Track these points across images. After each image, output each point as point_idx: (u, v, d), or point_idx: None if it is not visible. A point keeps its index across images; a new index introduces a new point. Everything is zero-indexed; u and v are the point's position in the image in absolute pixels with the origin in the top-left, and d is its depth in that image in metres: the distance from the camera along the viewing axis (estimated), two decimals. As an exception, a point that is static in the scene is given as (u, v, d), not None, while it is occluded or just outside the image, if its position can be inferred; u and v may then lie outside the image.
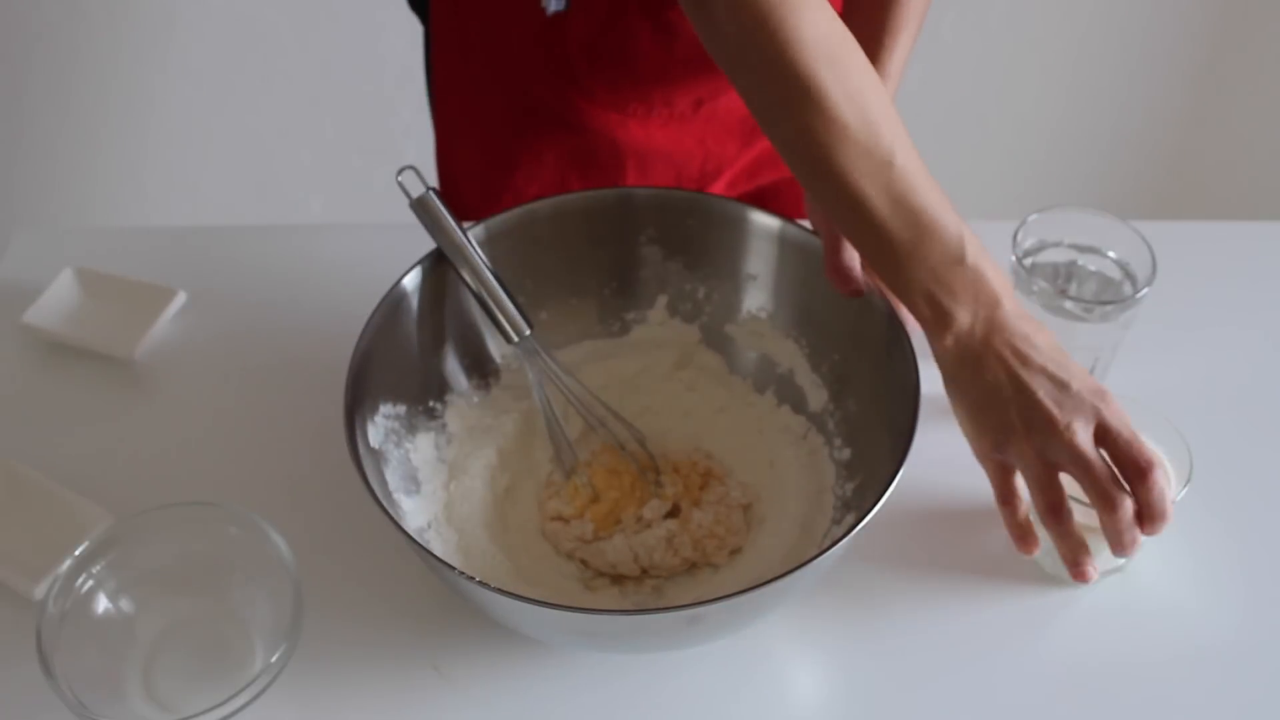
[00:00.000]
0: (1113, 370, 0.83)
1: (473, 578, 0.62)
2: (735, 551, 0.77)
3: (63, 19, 1.62)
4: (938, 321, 0.67)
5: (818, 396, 0.81)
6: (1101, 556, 0.70)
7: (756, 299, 0.83)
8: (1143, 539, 0.66)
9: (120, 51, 1.68)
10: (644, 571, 0.76)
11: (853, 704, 0.70)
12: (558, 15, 0.90)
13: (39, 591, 0.73)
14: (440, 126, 1.08)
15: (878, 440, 0.73)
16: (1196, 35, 1.79)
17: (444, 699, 0.70)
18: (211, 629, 0.72)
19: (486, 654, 0.72)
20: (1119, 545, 0.65)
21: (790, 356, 0.83)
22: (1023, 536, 0.69)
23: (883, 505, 0.64)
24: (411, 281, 0.76)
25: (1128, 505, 0.64)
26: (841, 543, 0.63)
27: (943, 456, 0.81)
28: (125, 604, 0.71)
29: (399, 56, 1.28)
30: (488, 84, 1.00)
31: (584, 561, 0.76)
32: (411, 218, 0.76)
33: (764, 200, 1.06)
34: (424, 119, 1.11)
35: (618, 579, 0.76)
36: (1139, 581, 0.75)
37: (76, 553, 0.70)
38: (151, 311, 0.90)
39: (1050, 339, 0.67)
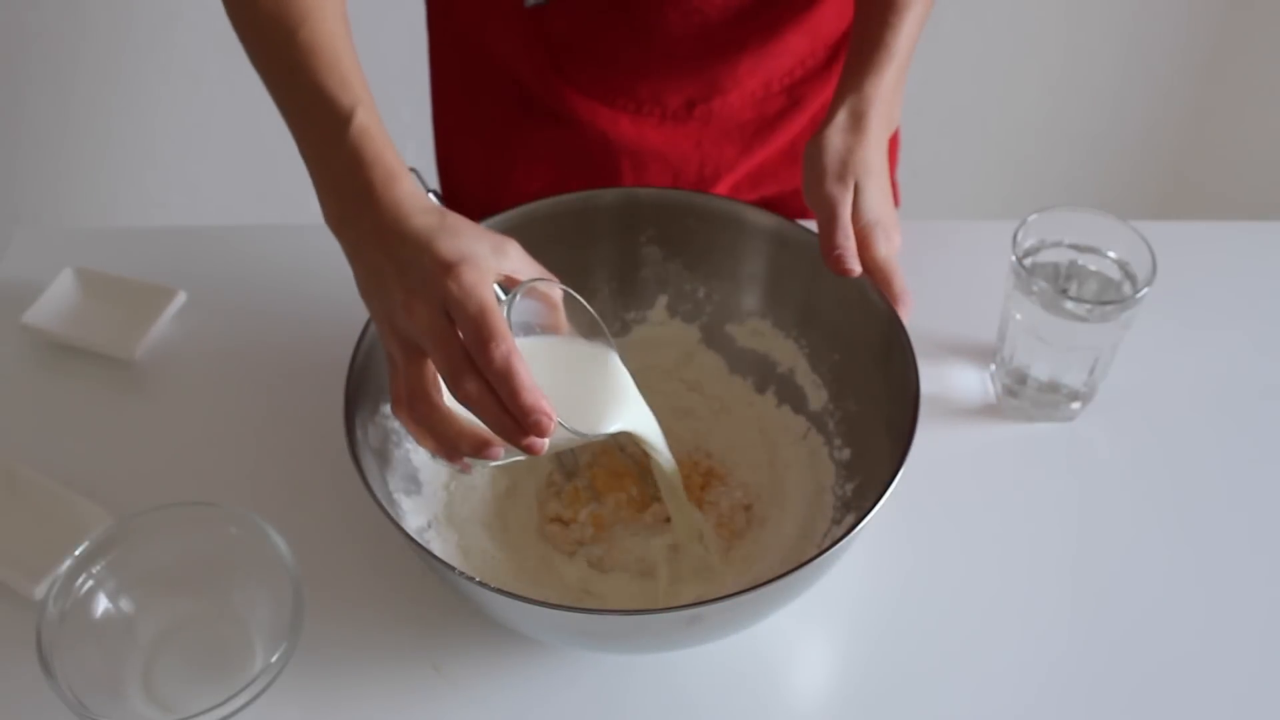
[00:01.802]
0: (1113, 370, 0.83)
1: (473, 578, 0.62)
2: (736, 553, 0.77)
3: (62, 18, 1.62)
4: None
5: (818, 396, 0.81)
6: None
7: (756, 299, 0.83)
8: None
9: (120, 51, 1.68)
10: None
11: (853, 704, 0.70)
12: (538, 7, 0.91)
13: (39, 591, 0.73)
14: (439, 123, 1.08)
15: (878, 440, 0.73)
16: (1196, 35, 1.79)
17: (444, 699, 0.70)
18: (211, 629, 0.72)
19: (486, 654, 0.72)
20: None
21: (790, 356, 0.82)
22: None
23: (883, 505, 0.64)
24: (411, 281, 0.76)
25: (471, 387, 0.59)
26: (841, 543, 0.63)
27: (943, 457, 0.81)
28: (125, 604, 0.71)
29: (399, 56, 1.27)
30: (481, 75, 1.00)
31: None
32: (412, 218, 0.76)
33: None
34: (424, 119, 1.11)
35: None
36: (1155, 605, 0.75)
37: (76, 553, 0.70)
38: (151, 311, 0.90)
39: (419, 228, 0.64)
